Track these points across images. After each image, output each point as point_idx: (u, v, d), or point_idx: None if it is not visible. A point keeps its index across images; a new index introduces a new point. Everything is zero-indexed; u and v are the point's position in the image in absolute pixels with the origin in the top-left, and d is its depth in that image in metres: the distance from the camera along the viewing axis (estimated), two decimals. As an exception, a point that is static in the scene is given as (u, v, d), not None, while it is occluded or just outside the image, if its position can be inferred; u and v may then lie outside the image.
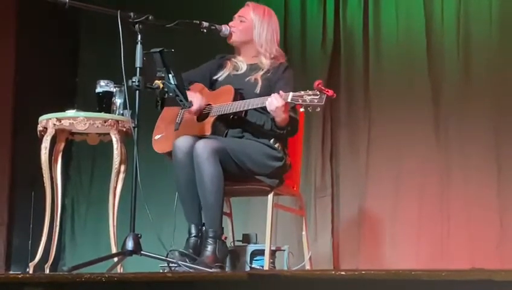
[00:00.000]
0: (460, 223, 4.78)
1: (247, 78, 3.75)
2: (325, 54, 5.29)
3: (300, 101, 3.37)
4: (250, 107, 3.58)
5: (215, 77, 3.86)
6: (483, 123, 4.81)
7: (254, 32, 3.79)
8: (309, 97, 3.35)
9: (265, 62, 3.76)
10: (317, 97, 3.33)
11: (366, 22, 5.23)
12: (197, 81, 3.87)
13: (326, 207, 5.14)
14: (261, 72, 3.74)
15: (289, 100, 3.42)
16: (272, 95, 3.48)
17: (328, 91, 3.34)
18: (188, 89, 3.75)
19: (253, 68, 3.80)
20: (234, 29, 3.80)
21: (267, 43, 3.80)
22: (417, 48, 5.06)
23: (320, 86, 3.33)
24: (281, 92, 3.47)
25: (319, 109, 3.38)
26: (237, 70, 3.83)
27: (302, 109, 3.43)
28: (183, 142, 3.56)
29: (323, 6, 5.32)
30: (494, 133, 4.79)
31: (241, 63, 3.84)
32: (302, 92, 3.38)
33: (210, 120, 3.66)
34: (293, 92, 3.47)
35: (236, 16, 3.86)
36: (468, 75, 4.91)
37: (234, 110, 3.60)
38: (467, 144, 4.85)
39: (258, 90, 3.68)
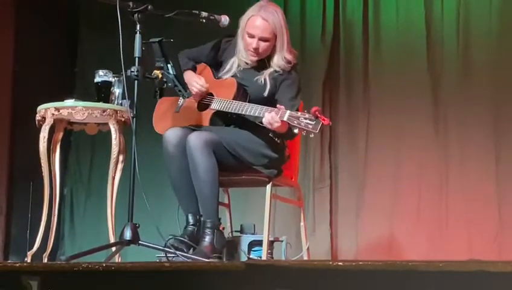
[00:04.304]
0: (458, 215, 4.78)
1: (256, 78, 3.68)
2: (325, 46, 5.28)
3: (295, 122, 3.30)
4: (247, 113, 3.53)
5: (222, 71, 3.76)
6: (482, 114, 4.81)
7: (277, 44, 3.67)
8: (304, 121, 3.28)
9: (280, 64, 3.66)
10: (313, 123, 3.26)
11: (365, 14, 5.22)
12: (202, 61, 3.82)
13: (324, 198, 5.15)
14: (269, 70, 3.68)
15: (285, 119, 3.34)
16: (269, 112, 3.40)
17: (324, 119, 3.27)
18: (195, 68, 3.77)
19: (262, 64, 3.70)
20: (261, 51, 3.65)
21: (288, 45, 3.69)
22: (417, 39, 5.06)
23: (317, 112, 3.27)
24: (278, 106, 3.41)
25: (312, 135, 3.33)
26: (246, 64, 3.73)
27: (296, 131, 3.35)
28: (172, 134, 3.56)
29: (323, -1, 5.32)
30: (493, 124, 4.79)
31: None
32: (299, 113, 3.31)
33: (209, 113, 3.64)
34: (296, 95, 3.53)
35: (255, 35, 3.62)
36: (468, 67, 4.91)
37: (233, 111, 3.56)
38: (466, 135, 4.85)
39: (266, 93, 3.63)
